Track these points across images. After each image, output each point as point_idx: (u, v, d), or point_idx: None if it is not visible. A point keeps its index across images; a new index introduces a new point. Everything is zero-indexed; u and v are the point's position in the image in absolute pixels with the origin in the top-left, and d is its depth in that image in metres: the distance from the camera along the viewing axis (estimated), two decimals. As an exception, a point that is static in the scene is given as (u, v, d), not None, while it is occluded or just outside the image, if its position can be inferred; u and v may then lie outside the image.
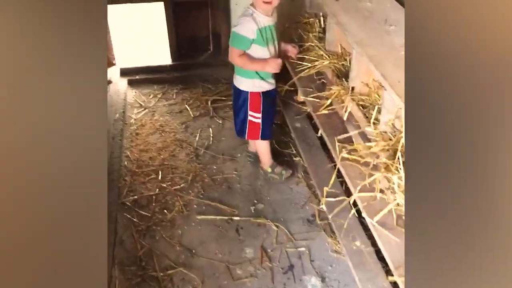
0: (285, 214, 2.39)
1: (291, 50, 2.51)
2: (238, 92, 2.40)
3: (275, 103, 2.57)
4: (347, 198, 2.08)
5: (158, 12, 3.58)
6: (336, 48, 2.55)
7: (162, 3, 3.30)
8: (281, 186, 2.56)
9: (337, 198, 2.18)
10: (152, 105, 3.25)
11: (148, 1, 3.40)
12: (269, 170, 2.60)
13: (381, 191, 1.83)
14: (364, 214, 1.83)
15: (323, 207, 2.22)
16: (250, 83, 2.36)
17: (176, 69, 3.51)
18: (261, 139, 2.50)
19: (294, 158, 2.73)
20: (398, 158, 1.76)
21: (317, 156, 2.51)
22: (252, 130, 2.47)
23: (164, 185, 2.57)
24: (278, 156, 2.70)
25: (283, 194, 2.52)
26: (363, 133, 2.12)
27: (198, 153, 2.80)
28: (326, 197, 2.15)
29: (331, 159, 2.41)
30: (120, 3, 3.29)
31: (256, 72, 2.32)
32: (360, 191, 1.86)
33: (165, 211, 2.41)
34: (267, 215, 2.38)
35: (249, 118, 2.43)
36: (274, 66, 2.28)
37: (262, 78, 2.35)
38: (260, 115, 2.42)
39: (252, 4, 2.23)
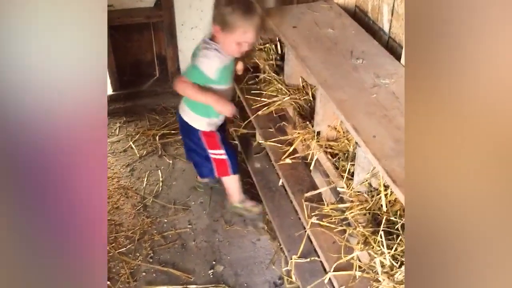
0: (248, 277, 2.09)
1: (239, 69, 2.20)
2: (190, 129, 2.11)
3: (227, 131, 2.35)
4: (318, 259, 1.81)
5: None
6: (296, 81, 2.25)
7: (97, 28, 2.90)
8: (242, 241, 2.25)
9: (308, 259, 1.90)
10: (91, 144, 2.86)
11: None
12: (239, 205, 2.32)
13: (361, 268, 1.54)
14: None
15: (292, 271, 1.93)
16: (203, 122, 2.08)
17: (118, 99, 3.12)
18: (233, 173, 2.21)
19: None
20: (381, 236, 1.47)
21: (282, 206, 2.20)
22: (220, 167, 2.18)
23: (107, 248, 2.21)
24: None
25: (245, 250, 2.21)
26: (334, 187, 1.84)
27: (145, 203, 2.45)
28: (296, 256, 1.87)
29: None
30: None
31: (211, 110, 2.02)
32: (335, 269, 1.57)
33: (108, 283, 2.05)
34: (228, 280, 2.07)
35: (212, 156, 2.15)
36: (226, 111, 1.97)
37: (216, 116, 2.09)
38: (223, 151, 2.15)
39: (211, 39, 1.92)
